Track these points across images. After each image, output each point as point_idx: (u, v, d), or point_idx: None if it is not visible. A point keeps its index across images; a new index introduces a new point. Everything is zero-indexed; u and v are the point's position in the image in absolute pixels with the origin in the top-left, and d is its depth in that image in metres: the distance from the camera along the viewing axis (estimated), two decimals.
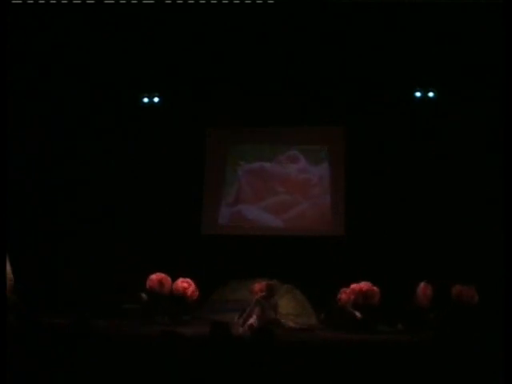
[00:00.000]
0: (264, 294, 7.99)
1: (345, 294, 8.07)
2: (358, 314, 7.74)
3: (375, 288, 7.93)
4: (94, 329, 5.68)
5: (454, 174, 9.37)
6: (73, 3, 7.66)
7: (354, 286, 8.01)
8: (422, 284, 7.91)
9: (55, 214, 9.75)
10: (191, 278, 8.39)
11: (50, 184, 9.81)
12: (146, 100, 10.19)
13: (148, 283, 8.20)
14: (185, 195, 10.08)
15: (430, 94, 9.67)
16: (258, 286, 8.17)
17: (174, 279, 8.45)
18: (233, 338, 5.09)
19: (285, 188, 10.30)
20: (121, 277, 9.02)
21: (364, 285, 7.95)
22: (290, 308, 8.96)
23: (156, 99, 10.17)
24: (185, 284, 8.32)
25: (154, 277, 8.23)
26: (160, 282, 8.20)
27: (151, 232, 9.80)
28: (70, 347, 5.01)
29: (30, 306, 7.30)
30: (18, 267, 7.59)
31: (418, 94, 9.71)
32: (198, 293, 8.35)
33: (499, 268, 5.24)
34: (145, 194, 9.96)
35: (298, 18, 8.27)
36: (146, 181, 10.00)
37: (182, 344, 4.94)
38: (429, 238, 9.27)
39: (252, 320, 7.64)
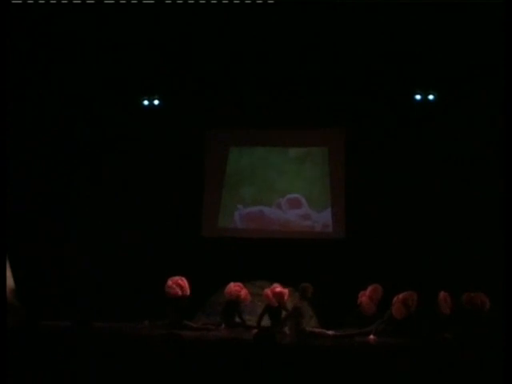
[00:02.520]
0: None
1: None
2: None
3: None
4: (95, 330, 5.68)
5: (454, 175, 9.38)
6: (73, 3, 7.64)
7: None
8: (442, 293, 7.87)
9: (55, 216, 9.73)
10: (191, 280, 8.38)
11: (50, 186, 9.79)
12: (146, 102, 10.18)
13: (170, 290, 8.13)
14: (185, 198, 10.07)
15: (430, 97, 9.69)
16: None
17: None
18: (277, 345, 5.06)
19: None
20: (121, 278, 9.02)
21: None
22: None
23: (156, 102, 10.16)
24: (237, 288, 8.34)
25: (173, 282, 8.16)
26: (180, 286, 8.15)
27: (152, 234, 9.79)
28: (71, 348, 4.99)
29: (30, 308, 7.30)
30: (18, 269, 7.60)
31: (418, 97, 9.72)
32: (249, 296, 8.41)
33: (500, 269, 5.24)
34: (145, 196, 9.95)
35: (298, 19, 8.26)
36: (147, 183, 9.98)
37: (184, 346, 4.93)
38: (429, 240, 9.28)
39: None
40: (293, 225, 10.05)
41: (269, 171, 10.23)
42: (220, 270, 9.31)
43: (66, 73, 9.52)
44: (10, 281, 7.63)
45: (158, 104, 10.18)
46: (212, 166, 10.34)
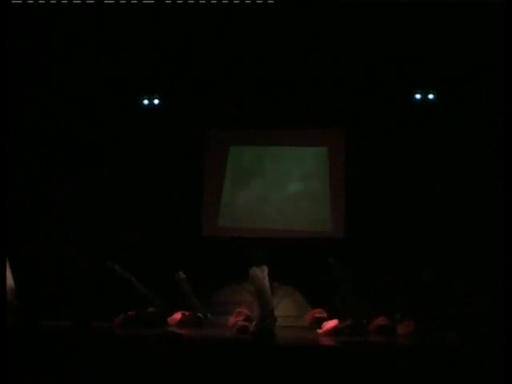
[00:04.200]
0: None
1: None
2: None
3: None
4: (94, 330, 5.69)
5: (454, 175, 9.39)
6: (73, 3, 7.65)
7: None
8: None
9: (55, 216, 9.73)
10: (191, 280, 8.40)
11: (50, 186, 9.79)
12: (146, 102, 10.19)
13: None
14: (185, 198, 10.07)
15: (430, 96, 9.70)
16: None
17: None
18: (276, 344, 5.07)
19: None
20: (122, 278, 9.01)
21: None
22: (290, 310, 8.97)
23: (156, 101, 10.17)
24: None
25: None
26: None
27: (152, 234, 9.79)
28: (71, 348, 5.00)
29: (30, 308, 7.29)
30: (18, 269, 7.60)
31: (418, 96, 9.73)
32: None
33: (500, 269, 5.24)
34: (145, 196, 9.95)
35: (298, 19, 8.27)
36: (147, 183, 9.98)
37: (184, 346, 4.94)
38: (429, 240, 9.28)
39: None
40: None
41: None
42: (220, 270, 9.32)
43: (66, 73, 9.53)
44: (9, 281, 7.62)
45: (158, 104, 10.19)
46: (212, 166, 10.35)
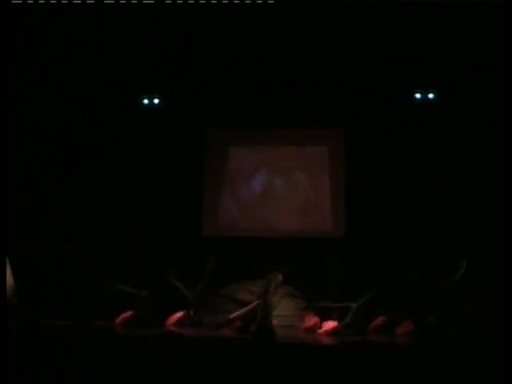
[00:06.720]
0: None
1: None
2: None
3: None
4: (94, 329, 5.70)
5: (454, 175, 9.40)
6: (73, 3, 7.67)
7: None
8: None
9: (55, 216, 9.73)
10: (191, 279, 8.40)
11: (50, 186, 9.79)
12: (146, 101, 10.19)
13: None
14: (185, 198, 10.07)
15: (430, 96, 9.71)
16: None
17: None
18: (276, 344, 5.06)
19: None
20: (121, 278, 9.02)
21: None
22: (290, 310, 8.97)
23: (156, 101, 10.18)
24: None
25: None
26: None
27: (152, 233, 9.78)
28: (71, 348, 5.00)
29: (30, 307, 7.30)
30: (18, 269, 7.61)
31: (418, 96, 9.74)
32: None
33: (500, 269, 5.24)
34: (145, 196, 9.95)
35: (298, 19, 8.29)
36: (147, 183, 9.98)
37: (184, 346, 4.94)
38: (429, 240, 9.28)
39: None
40: None
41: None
42: (220, 270, 9.31)
43: (66, 73, 9.54)
44: (10, 279, 7.64)
45: (158, 104, 10.20)
46: (212, 166, 10.35)
